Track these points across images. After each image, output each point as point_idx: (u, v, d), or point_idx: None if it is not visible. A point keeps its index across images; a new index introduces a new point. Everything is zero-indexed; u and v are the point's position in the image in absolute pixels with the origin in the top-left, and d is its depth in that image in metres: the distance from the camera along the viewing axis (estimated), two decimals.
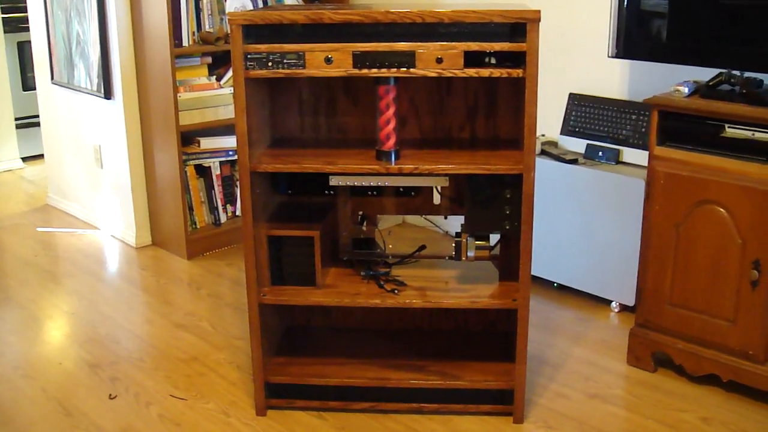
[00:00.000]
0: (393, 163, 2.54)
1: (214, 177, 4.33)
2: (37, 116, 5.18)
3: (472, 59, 2.39)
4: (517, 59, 2.39)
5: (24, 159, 6.08)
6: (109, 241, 4.51)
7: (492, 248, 2.74)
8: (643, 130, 3.43)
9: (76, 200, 4.91)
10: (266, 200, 2.75)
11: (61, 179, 5.03)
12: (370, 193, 2.86)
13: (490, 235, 2.71)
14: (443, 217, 2.89)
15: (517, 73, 2.39)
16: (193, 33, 4.12)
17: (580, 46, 3.73)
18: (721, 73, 2.77)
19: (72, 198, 4.95)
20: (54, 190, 5.13)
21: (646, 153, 2.89)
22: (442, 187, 2.80)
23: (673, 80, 2.91)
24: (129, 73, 4.20)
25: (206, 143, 4.26)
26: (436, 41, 2.37)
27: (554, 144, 3.75)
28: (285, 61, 2.43)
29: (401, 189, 2.84)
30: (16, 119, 5.99)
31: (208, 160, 4.30)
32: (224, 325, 3.46)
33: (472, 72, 2.39)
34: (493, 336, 3.00)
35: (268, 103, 2.77)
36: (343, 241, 2.92)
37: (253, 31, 2.42)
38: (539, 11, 2.33)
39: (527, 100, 2.40)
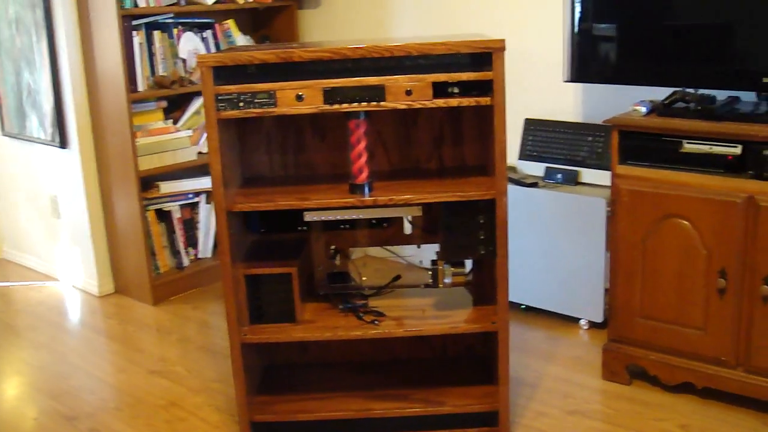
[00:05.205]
0: (367, 196, 2.57)
1: (175, 221, 4.31)
2: None
3: (441, 90, 2.44)
4: (483, 88, 2.45)
5: None
6: (71, 292, 4.45)
7: (468, 274, 2.78)
8: (600, 150, 3.53)
9: (33, 252, 4.84)
10: (240, 240, 2.76)
11: (16, 232, 4.95)
12: (342, 226, 2.89)
13: (465, 261, 2.77)
14: (416, 246, 2.93)
15: (485, 101, 2.45)
16: (147, 77, 4.12)
17: (532, 72, 3.83)
18: (675, 92, 2.87)
19: (29, 250, 4.87)
20: (9, 244, 5.05)
21: (604, 173, 2.97)
22: (413, 217, 2.84)
23: (626, 101, 3.02)
24: (84, 121, 4.17)
25: (166, 187, 4.24)
26: (405, 74, 2.43)
27: (513, 169, 3.83)
28: (256, 100, 2.45)
29: (374, 221, 2.88)
30: None
31: (169, 204, 4.29)
32: (198, 369, 3.43)
33: (441, 102, 2.45)
34: (471, 360, 3.04)
35: (237, 142, 2.79)
36: (319, 276, 2.94)
37: (223, 72, 2.45)
38: (504, 40, 2.41)
39: (497, 126, 2.46)
